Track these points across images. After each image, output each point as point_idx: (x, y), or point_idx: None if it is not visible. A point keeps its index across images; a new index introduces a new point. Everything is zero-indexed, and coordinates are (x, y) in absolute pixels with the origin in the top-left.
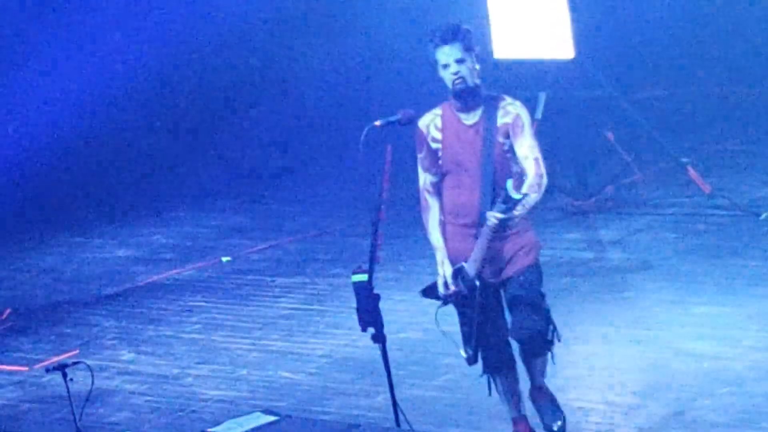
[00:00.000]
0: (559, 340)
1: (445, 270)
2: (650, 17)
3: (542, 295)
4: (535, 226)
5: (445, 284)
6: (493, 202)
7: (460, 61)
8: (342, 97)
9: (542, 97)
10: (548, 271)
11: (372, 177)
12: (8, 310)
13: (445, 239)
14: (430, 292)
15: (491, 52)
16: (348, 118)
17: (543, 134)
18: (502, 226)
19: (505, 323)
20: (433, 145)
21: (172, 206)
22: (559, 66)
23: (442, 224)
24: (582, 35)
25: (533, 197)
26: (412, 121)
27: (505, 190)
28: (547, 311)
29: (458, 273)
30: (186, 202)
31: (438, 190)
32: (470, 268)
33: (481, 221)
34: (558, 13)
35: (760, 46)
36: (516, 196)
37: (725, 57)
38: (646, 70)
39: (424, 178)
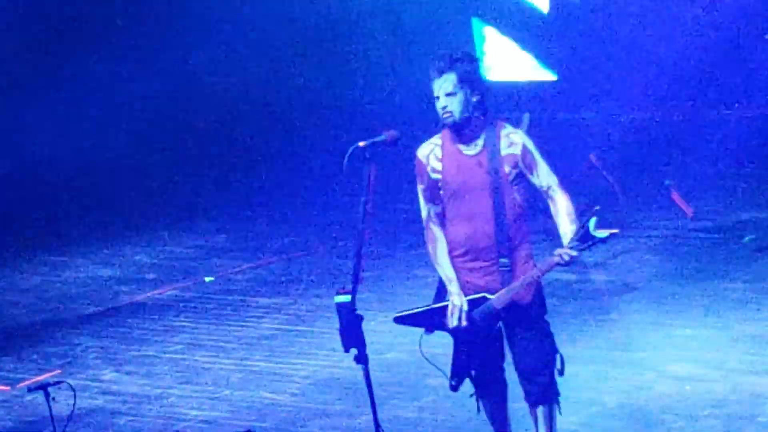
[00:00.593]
0: (561, 373)
1: (462, 303)
2: (634, 41)
3: (546, 328)
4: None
5: (459, 317)
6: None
7: (450, 95)
8: (329, 118)
9: (526, 118)
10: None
11: (356, 197)
12: None
13: (466, 273)
14: (408, 320)
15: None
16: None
17: None
18: (570, 263)
19: (502, 348)
20: (433, 176)
21: (155, 226)
22: (542, 88)
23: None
24: (564, 58)
25: (572, 225)
26: (396, 142)
27: (586, 227)
28: (551, 343)
29: (476, 304)
30: (169, 222)
31: (443, 221)
32: (499, 301)
33: (499, 255)
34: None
35: (745, 68)
36: (600, 234)
37: (709, 80)
38: (630, 93)
39: (428, 210)
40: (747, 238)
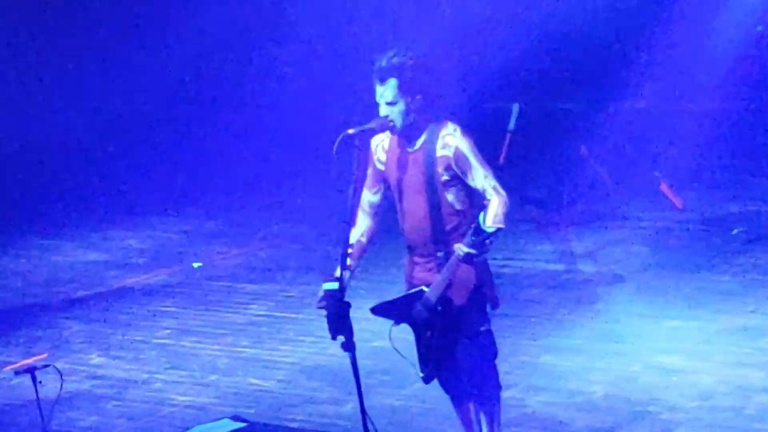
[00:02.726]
0: (495, 391)
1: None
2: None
3: (480, 334)
4: (506, 238)
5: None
6: (444, 232)
7: (391, 104)
8: (315, 106)
9: (515, 108)
10: (519, 282)
11: (344, 185)
12: None
13: (410, 265)
14: (381, 311)
15: None
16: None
17: (516, 145)
18: (469, 259)
19: (459, 353)
20: (378, 166)
21: (144, 211)
22: (533, 77)
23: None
24: (554, 44)
25: (499, 227)
26: (385, 130)
27: (477, 222)
28: (486, 349)
29: (417, 297)
30: (158, 208)
31: (374, 211)
32: (431, 294)
33: (435, 250)
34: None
35: (736, 61)
36: (489, 229)
37: (699, 72)
38: (621, 84)
39: (363, 195)
40: (735, 231)
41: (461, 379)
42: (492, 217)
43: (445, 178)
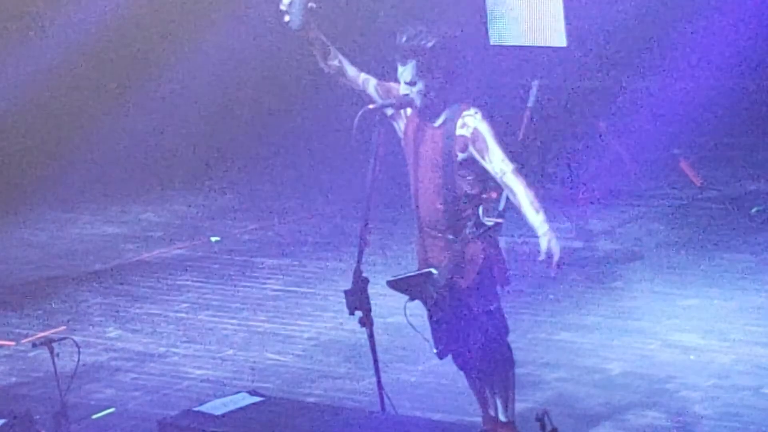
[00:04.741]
0: (507, 369)
1: None
2: (644, 8)
3: (489, 313)
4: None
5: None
6: (455, 213)
7: (410, 84)
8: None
9: (535, 84)
10: (533, 260)
11: (363, 160)
12: None
13: (422, 244)
14: (398, 285)
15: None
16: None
17: (534, 124)
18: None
19: (470, 332)
20: (399, 123)
21: (163, 185)
22: (553, 54)
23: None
24: (575, 24)
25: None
26: (405, 107)
27: (477, 215)
28: (495, 328)
29: (426, 277)
30: (177, 181)
31: (361, 80)
32: (440, 277)
33: (446, 232)
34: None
35: (753, 39)
36: (488, 222)
37: (718, 49)
38: (639, 61)
39: (370, 80)
40: (755, 209)
41: (473, 357)
42: (528, 204)
43: (461, 156)
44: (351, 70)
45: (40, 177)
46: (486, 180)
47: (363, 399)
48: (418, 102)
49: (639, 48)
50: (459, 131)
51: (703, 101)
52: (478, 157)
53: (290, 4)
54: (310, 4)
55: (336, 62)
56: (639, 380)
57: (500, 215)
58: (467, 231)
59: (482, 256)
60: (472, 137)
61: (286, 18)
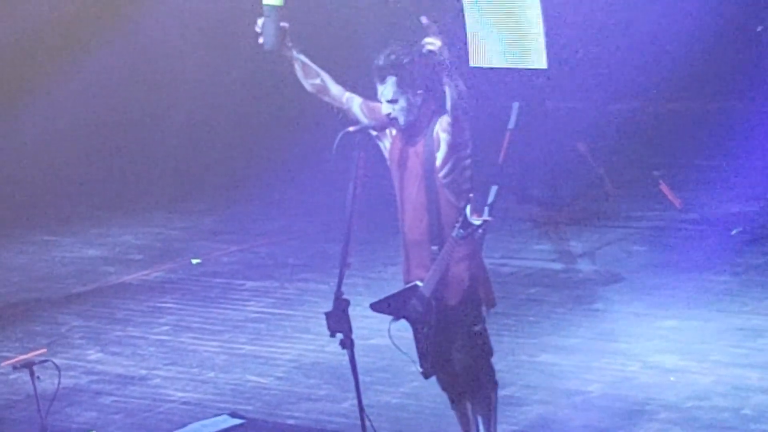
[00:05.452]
0: (490, 390)
1: None
2: (623, 31)
3: (474, 334)
4: (505, 236)
5: None
6: (440, 227)
7: (392, 101)
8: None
9: (516, 107)
10: (517, 281)
11: (344, 183)
12: None
13: (407, 262)
14: (382, 306)
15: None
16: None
17: (516, 144)
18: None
19: (454, 353)
20: (384, 142)
21: (143, 207)
22: (533, 76)
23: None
24: (555, 46)
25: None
26: (386, 127)
27: (464, 215)
28: (479, 348)
29: (412, 291)
30: (157, 204)
31: (345, 98)
32: (425, 289)
33: (431, 245)
34: (531, 23)
35: (732, 62)
36: (476, 221)
37: (697, 73)
38: (618, 83)
39: (355, 99)
40: (734, 231)
41: (457, 378)
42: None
43: (440, 157)
44: (334, 89)
45: (21, 201)
46: (468, 190)
47: (344, 421)
48: (401, 120)
49: (621, 71)
50: (435, 130)
51: (682, 123)
52: (450, 135)
53: (263, 25)
54: (282, 24)
55: (318, 81)
56: (619, 402)
57: (489, 212)
58: (454, 233)
59: (468, 275)
60: (442, 125)
61: (260, 39)
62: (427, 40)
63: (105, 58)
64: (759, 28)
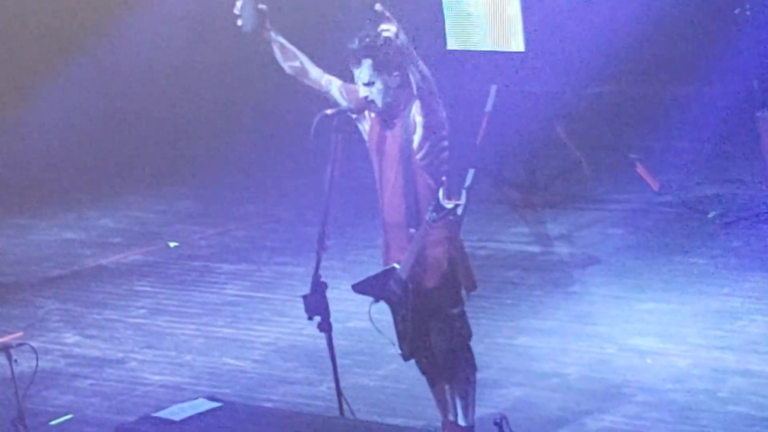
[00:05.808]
0: (468, 373)
1: None
2: (602, 15)
3: (452, 316)
4: (482, 219)
5: None
6: (418, 210)
7: (368, 85)
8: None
9: (493, 90)
10: (494, 264)
11: (322, 165)
12: None
13: (386, 244)
14: (363, 287)
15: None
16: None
17: (493, 126)
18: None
19: (433, 335)
20: (363, 125)
21: (120, 191)
22: (510, 59)
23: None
24: (533, 29)
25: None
26: (363, 111)
27: (437, 199)
28: (458, 331)
29: (390, 273)
30: (134, 187)
31: (324, 80)
32: (402, 270)
33: (408, 227)
34: (509, 5)
35: (708, 45)
36: (448, 205)
37: (674, 56)
38: (596, 67)
39: (334, 82)
40: (712, 214)
41: (435, 360)
42: None
43: (417, 144)
44: (313, 72)
45: None
46: (445, 172)
47: (321, 404)
48: (379, 102)
49: (599, 53)
50: (412, 115)
51: (660, 107)
52: (424, 114)
53: (242, 7)
54: (260, 6)
55: (297, 63)
56: (596, 384)
57: (466, 195)
58: (427, 216)
59: (446, 258)
60: (416, 108)
61: (239, 22)
62: (383, 26)
63: (90, 49)
64: (737, 11)
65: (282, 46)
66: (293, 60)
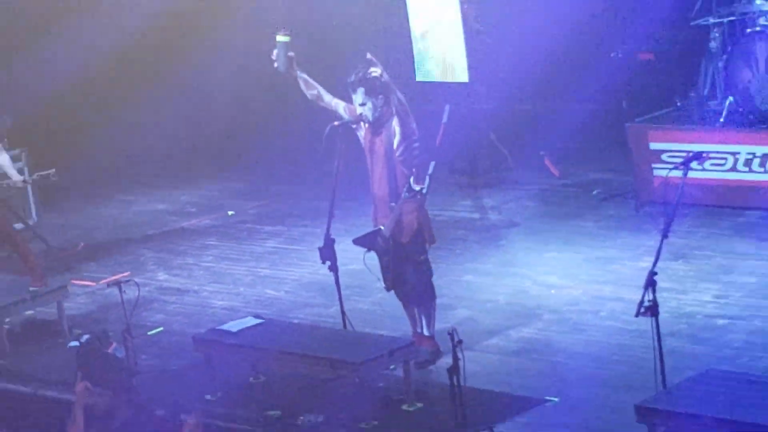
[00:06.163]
0: (430, 300)
1: None
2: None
3: (420, 261)
4: (439, 195)
5: None
6: (395, 190)
7: (362, 104)
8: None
9: (447, 108)
10: (448, 226)
11: (331, 161)
12: (82, 244)
13: (375, 212)
14: (360, 241)
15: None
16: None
17: (447, 134)
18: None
19: (407, 275)
20: (360, 132)
21: (195, 175)
22: (458, 86)
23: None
24: (474, 66)
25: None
26: (360, 121)
27: (409, 183)
28: (423, 271)
29: (378, 232)
30: (205, 172)
31: (334, 103)
32: (386, 230)
33: (390, 201)
34: (456, 48)
35: (590, 75)
36: (416, 187)
37: (568, 82)
38: (518, 90)
39: (340, 104)
40: (595, 191)
41: (408, 291)
42: None
43: (396, 142)
44: (326, 97)
45: (109, 170)
46: (416, 165)
47: (331, 321)
48: (369, 117)
49: (520, 81)
50: (393, 126)
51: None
52: (398, 127)
53: (277, 55)
54: (289, 54)
55: (315, 91)
56: (518, 307)
57: (428, 180)
58: (403, 194)
59: (416, 222)
60: (395, 121)
61: (275, 64)
62: (372, 69)
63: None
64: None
65: (305, 81)
66: (312, 89)
